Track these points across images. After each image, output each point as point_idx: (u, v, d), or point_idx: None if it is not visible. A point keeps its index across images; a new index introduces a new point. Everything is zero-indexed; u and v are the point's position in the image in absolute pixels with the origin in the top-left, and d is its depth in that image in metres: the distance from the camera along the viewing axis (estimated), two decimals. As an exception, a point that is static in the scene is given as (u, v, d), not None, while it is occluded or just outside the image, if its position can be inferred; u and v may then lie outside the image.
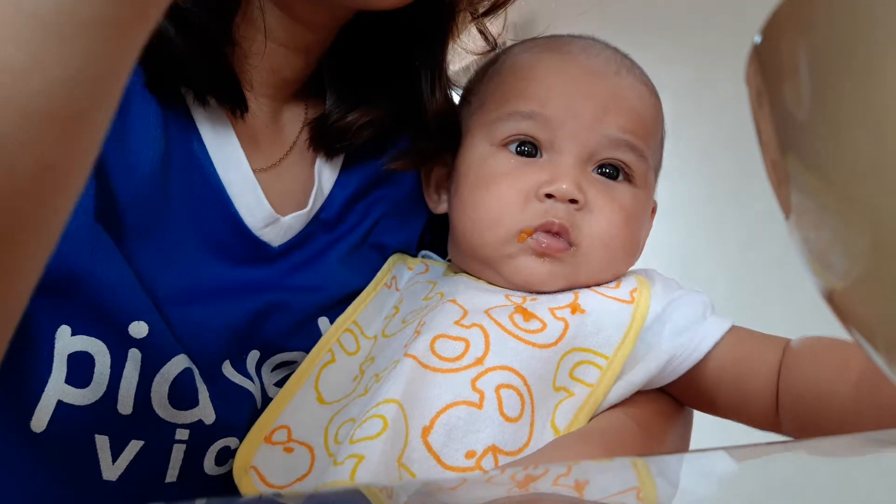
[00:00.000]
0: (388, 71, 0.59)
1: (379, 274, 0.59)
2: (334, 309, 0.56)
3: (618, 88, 0.55)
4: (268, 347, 0.53)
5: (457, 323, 0.49)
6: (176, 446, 0.48)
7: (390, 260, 0.60)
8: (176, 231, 0.50)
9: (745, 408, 0.52)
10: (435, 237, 0.65)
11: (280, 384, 0.52)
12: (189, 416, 0.48)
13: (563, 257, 0.52)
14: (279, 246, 0.55)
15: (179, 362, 0.47)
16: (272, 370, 0.53)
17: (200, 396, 0.48)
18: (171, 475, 0.48)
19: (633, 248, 0.56)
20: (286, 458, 0.47)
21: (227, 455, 0.50)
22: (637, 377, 0.49)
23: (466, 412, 0.44)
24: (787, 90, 0.19)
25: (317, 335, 0.54)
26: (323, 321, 0.56)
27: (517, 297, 0.52)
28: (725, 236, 2.28)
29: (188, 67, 0.49)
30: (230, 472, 0.49)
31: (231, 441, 0.50)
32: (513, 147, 0.54)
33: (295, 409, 0.50)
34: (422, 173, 0.63)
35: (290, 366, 0.53)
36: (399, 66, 0.59)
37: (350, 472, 0.42)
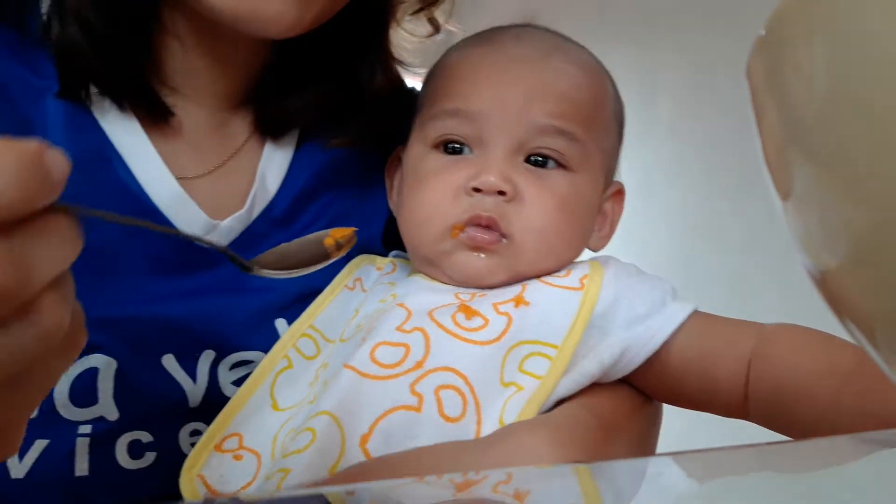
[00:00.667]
0: (329, 55, 0.59)
1: (338, 277, 0.58)
2: (291, 308, 0.55)
3: (545, 73, 0.53)
4: (222, 347, 0.53)
5: (398, 328, 0.48)
6: (79, 440, 0.48)
7: (353, 262, 0.60)
8: (110, 252, 0.50)
9: (712, 398, 0.50)
10: (395, 237, 0.64)
11: (238, 383, 0.52)
12: (89, 413, 0.48)
13: (497, 249, 0.51)
14: None
15: (84, 362, 0.47)
16: (230, 369, 0.53)
17: (101, 395, 0.48)
18: (81, 469, 0.48)
19: (574, 234, 0.54)
20: (234, 466, 0.47)
21: (140, 448, 0.50)
22: (590, 368, 0.48)
23: (404, 417, 0.44)
24: (796, 82, 0.19)
25: (274, 335, 0.54)
26: (280, 322, 0.55)
27: (465, 295, 0.52)
28: (725, 236, 2.28)
29: (100, 76, 0.50)
30: (151, 466, 0.49)
31: (141, 434, 0.49)
32: (443, 147, 0.54)
33: (248, 415, 0.49)
34: (385, 177, 0.63)
35: (249, 365, 0.53)
36: (341, 50, 0.59)
37: (276, 486, 0.42)
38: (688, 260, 2.38)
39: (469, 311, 0.49)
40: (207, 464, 0.47)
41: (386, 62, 0.62)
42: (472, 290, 0.52)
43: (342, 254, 0.45)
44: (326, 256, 0.43)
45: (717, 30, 2.22)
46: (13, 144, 0.23)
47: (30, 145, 0.23)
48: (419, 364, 0.46)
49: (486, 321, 0.48)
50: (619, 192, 0.60)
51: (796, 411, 0.46)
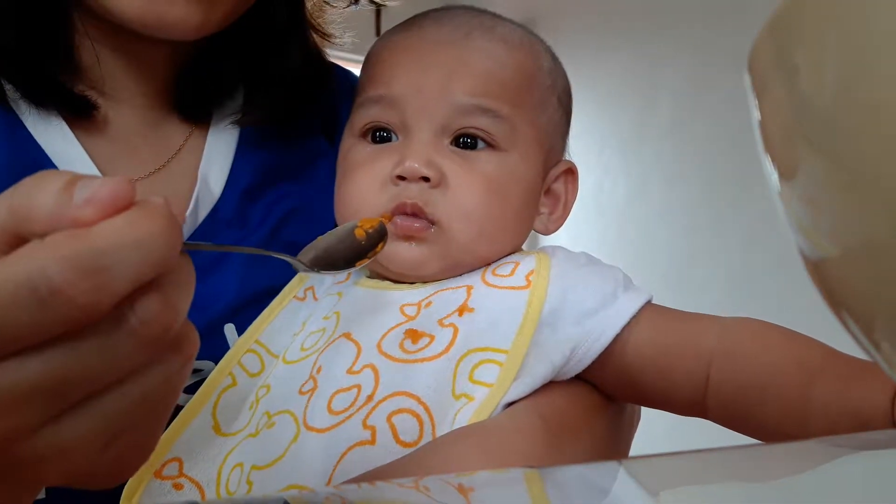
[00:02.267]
0: (248, 37, 0.59)
1: (287, 287, 0.56)
2: (240, 314, 0.55)
3: (465, 53, 0.52)
4: None
5: (349, 371, 0.47)
6: None
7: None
8: None
9: (670, 396, 0.49)
10: None
11: (188, 390, 0.51)
12: None
13: (426, 237, 0.50)
14: None
15: None
16: None
17: None
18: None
19: (508, 216, 0.53)
20: (174, 497, 0.46)
21: None
22: (540, 369, 0.46)
23: (360, 453, 0.43)
24: (806, 72, 0.19)
25: (223, 344, 0.53)
26: (229, 328, 0.54)
27: (411, 308, 0.50)
28: (725, 237, 2.28)
29: (9, 73, 0.51)
30: None
31: None
32: (370, 135, 0.54)
33: (190, 438, 0.48)
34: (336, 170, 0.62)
35: (198, 373, 0.52)
36: (258, 30, 0.59)
37: None
38: (688, 259, 2.37)
39: (415, 335, 0.48)
40: (146, 492, 0.46)
41: (302, 37, 0.62)
42: (419, 298, 0.51)
43: (378, 250, 0.45)
44: (360, 246, 0.45)
45: (718, 29, 2.22)
46: (150, 210, 0.25)
47: (159, 205, 0.26)
48: (370, 398, 0.45)
49: (433, 338, 0.47)
50: (571, 171, 0.58)
51: (763, 410, 0.45)
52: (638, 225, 2.56)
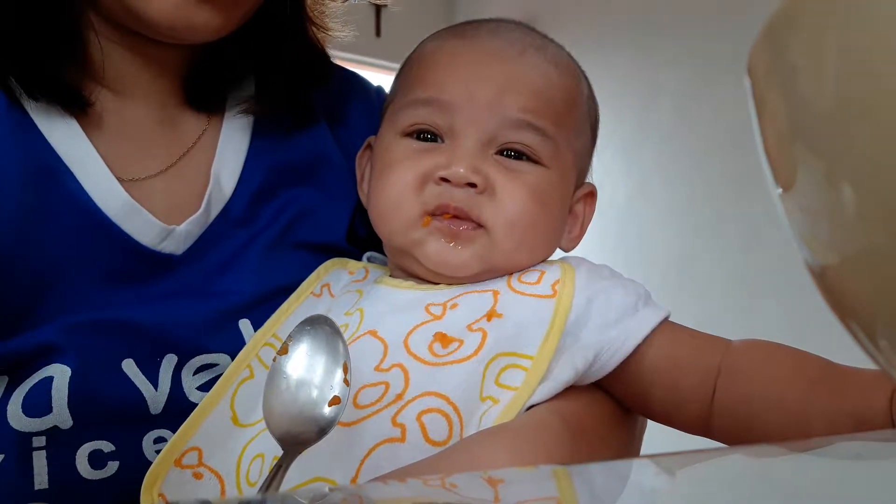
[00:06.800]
0: (251, 25, 0.59)
1: (306, 282, 0.57)
2: (255, 309, 0.55)
3: (519, 69, 0.54)
4: (184, 351, 0.52)
5: (377, 369, 0.48)
6: (35, 454, 0.47)
7: (324, 266, 0.59)
8: (64, 262, 0.50)
9: (678, 409, 0.50)
10: (369, 231, 0.62)
11: (203, 388, 0.52)
12: (41, 423, 0.47)
13: (474, 237, 0.51)
14: (182, 253, 0.55)
15: (41, 373, 0.47)
16: (194, 373, 0.53)
17: (55, 403, 0.47)
18: (41, 482, 0.47)
19: (547, 228, 0.54)
20: (195, 486, 0.46)
21: (101, 458, 0.49)
22: (564, 374, 0.47)
23: (389, 450, 0.44)
24: (804, 77, 0.19)
25: (238, 338, 0.54)
26: (244, 324, 0.55)
27: (437, 308, 0.51)
28: (725, 238, 2.28)
29: (14, 69, 0.51)
30: (114, 475, 0.49)
31: (101, 444, 0.49)
32: (415, 136, 0.54)
33: (208, 429, 0.49)
34: (356, 166, 0.62)
35: (213, 368, 0.53)
36: (264, 16, 0.59)
37: None
38: (687, 260, 2.37)
39: (445, 340, 0.48)
40: (167, 481, 0.46)
41: (302, 28, 0.62)
42: (444, 298, 0.51)
43: None
44: None
45: (718, 32, 2.22)
46: None
47: None
48: (399, 397, 0.46)
49: (461, 342, 0.48)
50: (591, 194, 0.60)
51: (765, 419, 0.46)
52: (638, 225, 2.56)
